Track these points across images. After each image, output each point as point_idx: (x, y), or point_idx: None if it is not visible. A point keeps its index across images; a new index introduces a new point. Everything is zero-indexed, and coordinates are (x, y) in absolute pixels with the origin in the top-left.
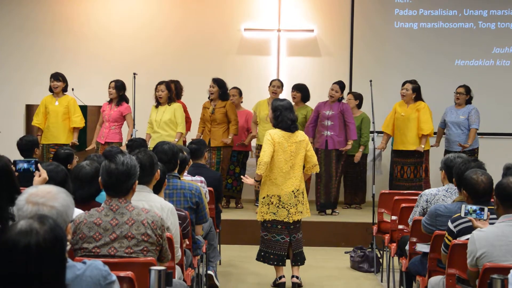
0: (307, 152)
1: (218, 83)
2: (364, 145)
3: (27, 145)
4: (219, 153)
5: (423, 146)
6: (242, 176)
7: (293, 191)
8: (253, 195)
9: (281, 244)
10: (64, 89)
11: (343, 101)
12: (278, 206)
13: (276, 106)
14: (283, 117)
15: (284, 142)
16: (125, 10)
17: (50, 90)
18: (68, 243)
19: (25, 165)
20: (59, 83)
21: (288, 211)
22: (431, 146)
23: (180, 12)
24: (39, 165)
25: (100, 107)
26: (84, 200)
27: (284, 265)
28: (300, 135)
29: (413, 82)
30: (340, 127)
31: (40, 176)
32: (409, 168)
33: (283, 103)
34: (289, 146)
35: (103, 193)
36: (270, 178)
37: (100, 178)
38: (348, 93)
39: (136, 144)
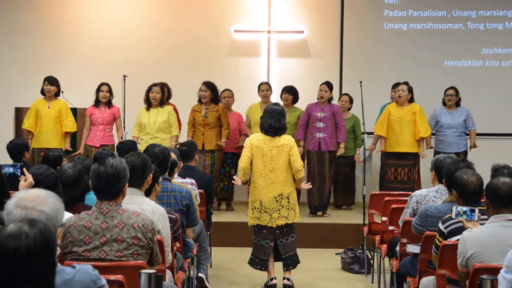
0: (290, 156)
1: (210, 87)
2: (359, 147)
3: (17, 148)
4: (213, 155)
5: (422, 149)
6: (234, 177)
7: (275, 197)
8: (246, 197)
9: (265, 248)
10: (57, 94)
11: (333, 101)
12: (260, 211)
13: (264, 109)
14: (263, 120)
15: (263, 146)
16: (115, 13)
17: (42, 93)
18: (58, 248)
19: (11, 170)
20: (52, 87)
21: (271, 215)
22: (426, 149)
23: (169, 15)
24: (24, 169)
25: None
26: (68, 204)
27: (266, 270)
28: (283, 139)
29: (406, 83)
30: (332, 128)
31: (26, 180)
32: (403, 170)
33: (271, 107)
34: (269, 151)
35: (91, 196)
36: (253, 183)
37: (90, 180)
38: (344, 95)
39: (127, 147)
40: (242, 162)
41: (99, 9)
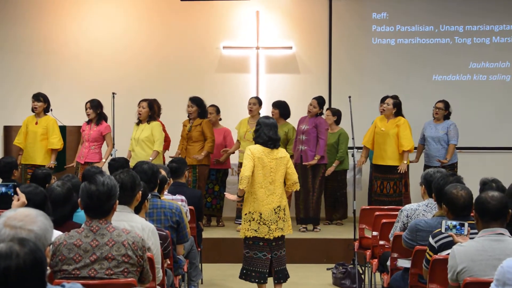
0: (287, 169)
1: (196, 102)
2: (339, 160)
3: (5, 167)
4: (195, 171)
5: (405, 162)
6: (225, 193)
7: (274, 208)
8: (234, 213)
9: (263, 261)
10: (46, 110)
11: (322, 116)
12: (259, 223)
13: (258, 121)
14: (261, 132)
15: (264, 157)
16: (104, 30)
17: (33, 110)
18: (47, 267)
19: (3, 189)
20: (39, 103)
21: (269, 227)
22: (411, 162)
23: (159, 31)
24: (17, 189)
25: (79, 127)
26: (58, 222)
27: (266, 282)
28: (281, 152)
29: (394, 97)
30: (314, 141)
31: (18, 200)
32: (389, 183)
33: (267, 120)
34: (269, 162)
35: (80, 213)
36: (252, 194)
37: (79, 199)
38: (327, 109)
39: (118, 164)
40: (246, 171)
41: (88, 26)
